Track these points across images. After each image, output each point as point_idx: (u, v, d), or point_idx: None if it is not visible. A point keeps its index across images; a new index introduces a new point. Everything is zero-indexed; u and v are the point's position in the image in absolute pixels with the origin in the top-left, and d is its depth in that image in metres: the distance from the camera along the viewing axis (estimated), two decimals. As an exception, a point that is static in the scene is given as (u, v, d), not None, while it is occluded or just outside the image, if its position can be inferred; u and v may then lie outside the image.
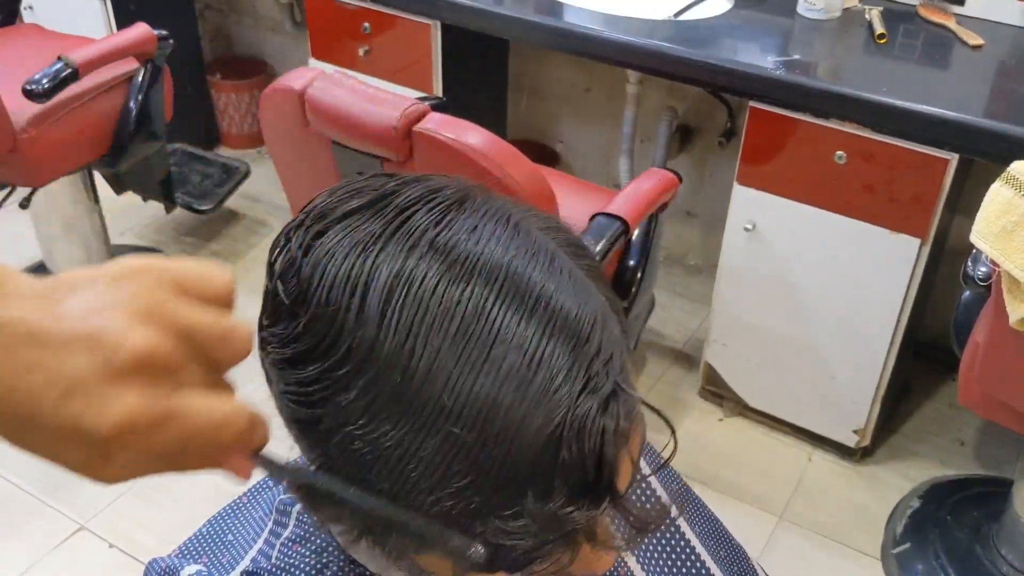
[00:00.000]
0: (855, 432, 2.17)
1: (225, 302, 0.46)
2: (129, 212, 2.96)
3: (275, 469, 0.51)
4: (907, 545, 2.04)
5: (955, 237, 2.12)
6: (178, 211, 2.83)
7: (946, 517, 2.08)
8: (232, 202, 2.99)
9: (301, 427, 0.54)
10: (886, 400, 2.13)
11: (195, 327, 0.44)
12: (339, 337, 0.50)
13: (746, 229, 2.05)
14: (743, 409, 2.34)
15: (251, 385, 0.56)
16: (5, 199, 2.41)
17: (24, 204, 2.36)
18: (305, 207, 0.56)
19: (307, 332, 0.52)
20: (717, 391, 2.35)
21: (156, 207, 2.83)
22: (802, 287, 2.06)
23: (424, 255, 0.51)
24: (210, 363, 0.45)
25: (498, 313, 0.50)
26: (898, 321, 1.98)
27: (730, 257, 2.13)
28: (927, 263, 1.92)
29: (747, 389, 2.29)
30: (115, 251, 2.71)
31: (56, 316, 0.41)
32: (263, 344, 0.55)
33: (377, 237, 0.52)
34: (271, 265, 0.55)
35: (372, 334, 0.49)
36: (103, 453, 0.41)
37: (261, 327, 0.56)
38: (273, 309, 0.54)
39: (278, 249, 0.55)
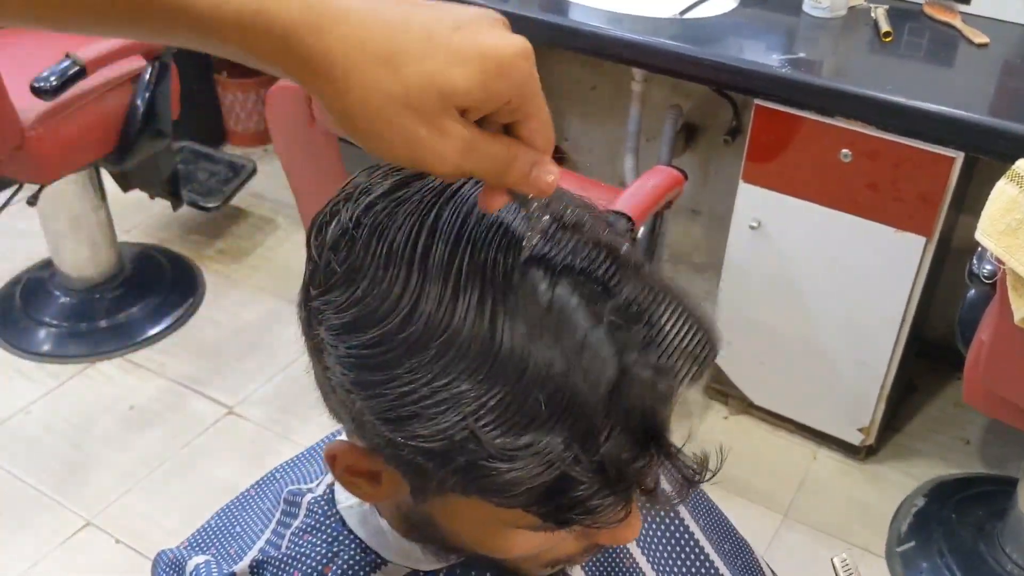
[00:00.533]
0: (860, 430, 2.17)
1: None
2: (136, 210, 2.97)
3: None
4: (911, 543, 2.04)
5: (960, 236, 2.13)
6: (185, 209, 2.84)
7: (950, 515, 2.08)
8: (238, 200, 3.00)
9: (363, 390, 0.54)
10: (891, 399, 2.13)
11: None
12: (400, 300, 0.51)
13: (751, 227, 2.06)
14: (748, 407, 2.34)
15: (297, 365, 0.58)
16: (13, 196, 2.42)
17: (32, 201, 2.37)
18: (345, 186, 0.58)
19: (367, 296, 0.52)
20: (722, 389, 2.35)
21: (163, 205, 2.84)
22: (807, 285, 2.06)
23: (480, 220, 0.53)
24: None
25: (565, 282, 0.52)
26: (903, 319, 1.98)
27: (735, 255, 2.13)
28: (932, 261, 1.92)
29: (752, 387, 2.30)
30: (122, 249, 2.72)
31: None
32: (314, 314, 0.56)
33: (431, 205, 0.54)
34: (316, 237, 0.56)
35: (436, 298, 0.51)
36: (498, 71, 0.47)
37: (308, 299, 0.56)
38: (325, 279, 0.55)
39: (323, 222, 0.56)
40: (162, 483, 2.16)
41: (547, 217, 0.54)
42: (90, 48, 2.12)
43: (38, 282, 2.70)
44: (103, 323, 2.59)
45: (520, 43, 0.47)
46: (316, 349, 0.57)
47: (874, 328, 2.02)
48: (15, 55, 2.34)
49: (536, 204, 0.53)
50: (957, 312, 1.85)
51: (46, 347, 2.54)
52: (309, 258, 0.57)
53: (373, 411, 0.53)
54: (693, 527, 0.82)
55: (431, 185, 0.55)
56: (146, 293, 2.68)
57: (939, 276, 2.14)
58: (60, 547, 2.02)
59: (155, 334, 2.57)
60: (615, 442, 0.52)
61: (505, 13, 1.94)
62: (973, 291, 1.81)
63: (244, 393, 2.38)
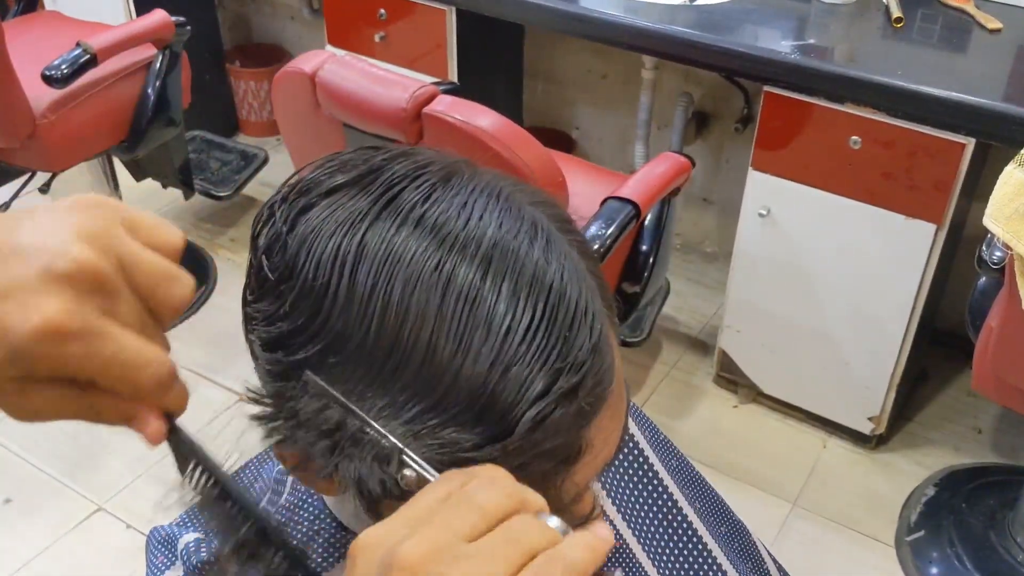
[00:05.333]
0: (870, 419, 2.16)
1: (172, 254, 0.48)
2: (148, 199, 2.98)
3: (182, 445, 0.51)
4: (921, 532, 2.03)
5: (973, 223, 2.10)
6: (197, 198, 2.85)
7: (961, 505, 2.07)
8: (250, 189, 3.01)
9: (287, 404, 0.53)
10: (902, 387, 2.12)
11: (137, 261, 0.45)
12: (328, 318, 0.50)
13: (760, 215, 2.05)
14: (757, 396, 2.33)
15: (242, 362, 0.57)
16: (25, 184, 2.43)
17: (44, 189, 2.39)
18: (289, 179, 0.56)
19: (294, 311, 0.51)
20: (732, 378, 2.34)
21: (175, 194, 2.85)
22: (817, 273, 2.05)
23: (413, 232, 0.50)
24: (148, 305, 0.47)
25: (491, 291, 0.49)
26: (913, 307, 1.97)
27: (745, 243, 2.12)
28: (943, 249, 1.90)
29: (762, 376, 2.29)
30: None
31: (9, 229, 0.44)
32: (248, 320, 0.55)
33: (364, 214, 0.51)
34: (255, 239, 0.54)
35: (362, 315, 0.49)
36: (21, 364, 0.42)
37: (246, 303, 0.55)
38: (258, 285, 0.53)
39: (261, 223, 0.54)
40: (173, 469, 2.17)
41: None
42: (101, 37, 2.13)
43: (52, 270, 2.72)
44: (116, 311, 2.60)
45: (50, 316, 0.42)
46: (252, 353, 0.56)
47: (884, 316, 2.01)
48: (27, 44, 2.35)
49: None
50: (968, 300, 1.83)
51: (59, 335, 2.55)
52: (249, 258, 0.55)
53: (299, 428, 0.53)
54: (688, 510, 0.82)
55: (370, 190, 0.52)
56: (158, 281, 2.69)
57: (951, 264, 2.12)
58: (71, 532, 2.04)
59: (167, 322, 2.58)
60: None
61: (517, 0, 1.92)
62: (983, 279, 1.79)
63: (255, 381, 2.38)
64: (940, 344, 2.41)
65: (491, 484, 0.44)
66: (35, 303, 0.42)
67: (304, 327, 0.51)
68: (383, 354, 0.49)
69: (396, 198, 0.52)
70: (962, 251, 2.15)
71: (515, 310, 0.49)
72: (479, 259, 0.50)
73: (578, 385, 0.50)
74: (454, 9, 2.26)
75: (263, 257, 0.53)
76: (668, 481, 0.81)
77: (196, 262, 2.81)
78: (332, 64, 1.52)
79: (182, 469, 0.52)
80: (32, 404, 0.45)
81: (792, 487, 2.15)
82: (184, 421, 1.99)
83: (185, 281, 0.48)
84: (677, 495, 0.82)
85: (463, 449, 0.49)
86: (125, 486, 2.14)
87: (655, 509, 0.80)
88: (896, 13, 1.98)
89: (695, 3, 2.12)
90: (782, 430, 2.29)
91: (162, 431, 0.49)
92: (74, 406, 0.46)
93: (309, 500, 0.68)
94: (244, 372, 2.20)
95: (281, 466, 0.72)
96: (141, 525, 2.05)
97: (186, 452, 0.51)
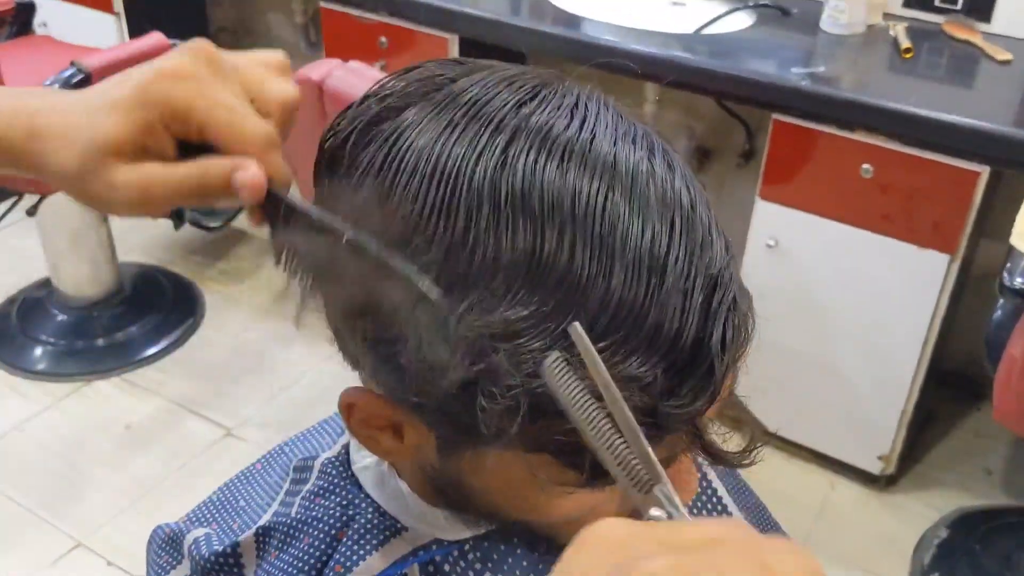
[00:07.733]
0: (880, 458, 2.10)
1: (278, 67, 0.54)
2: (137, 229, 2.92)
3: (281, 210, 0.48)
4: None
5: (981, 261, 2.07)
6: (186, 229, 2.79)
7: (975, 547, 2.01)
8: (240, 221, 2.95)
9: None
10: (911, 426, 2.07)
11: (237, 64, 0.52)
12: (427, 231, 0.45)
13: (768, 246, 2.00)
14: (762, 435, 2.27)
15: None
16: (13, 206, 2.37)
17: (31, 212, 2.33)
18: (365, 94, 0.51)
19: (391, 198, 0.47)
20: (735, 415, 2.28)
21: (164, 225, 2.79)
22: (826, 306, 2.00)
23: (520, 132, 0.45)
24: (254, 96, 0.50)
25: (622, 201, 0.45)
26: (926, 341, 1.92)
27: (751, 275, 2.07)
28: (955, 282, 1.86)
29: (767, 414, 2.22)
30: (122, 268, 2.67)
31: None
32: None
33: (461, 117, 0.46)
34: (324, 153, 0.51)
35: (463, 225, 0.44)
36: (145, 109, 0.47)
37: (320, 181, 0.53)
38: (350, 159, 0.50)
39: (333, 135, 0.50)
40: (156, 505, 2.09)
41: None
42: (97, 56, 2.09)
43: (35, 301, 2.64)
44: (100, 342, 2.52)
45: (158, 65, 0.48)
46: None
47: (895, 350, 1.96)
48: (19, 65, 2.31)
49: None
50: (977, 340, 1.78)
51: (42, 365, 2.47)
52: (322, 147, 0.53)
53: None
54: (738, 516, 0.76)
55: (459, 98, 0.48)
56: (145, 312, 2.62)
57: (959, 303, 2.08)
58: (50, 568, 1.94)
59: (153, 354, 2.51)
60: (666, 383, 0.47)
61: (520, 27, 1.90)
62: (1000, 311, 1.75)
63: (243, 415, 2.31)
64: (945, 385, 2.36)
65: (789, 552, 0.36)
66: (162, 61, 0.48)
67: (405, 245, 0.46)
68: (517, 262, 0.44)
69: (492, 100, 0.47)
70: (969, 289, 2.11)
71: (653, 222, 0.45)
72: (602, 164, 0.45)
73: (735, 300, 0.48)
74: (457, 37, 2.23)
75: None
76: (717, 484, 0.76)
77: (185, 294, 2.74)
78: (340, 71, 1.48)
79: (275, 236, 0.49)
80: (147, 174, 0.47)
81: (801, 529, 2.08)
82: (169, 455, 1.91)
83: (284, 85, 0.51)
84: (732, 508, 0.76)
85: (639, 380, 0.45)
86: (107, 521, 2.04)
87: (705, 513, 0.74)
88: (905, 44, 1.96)
89: (701, 32, 2.10)
90: (788, 470, 2.22)
91: (262, 179, 0.47)
92: (183, 172, 0.48)
93: (341, 483, 0.61)
94: (232, 406, 2.13)
95: (302, 456, 0.66)
96: (123, 562, 1.96)
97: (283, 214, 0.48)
